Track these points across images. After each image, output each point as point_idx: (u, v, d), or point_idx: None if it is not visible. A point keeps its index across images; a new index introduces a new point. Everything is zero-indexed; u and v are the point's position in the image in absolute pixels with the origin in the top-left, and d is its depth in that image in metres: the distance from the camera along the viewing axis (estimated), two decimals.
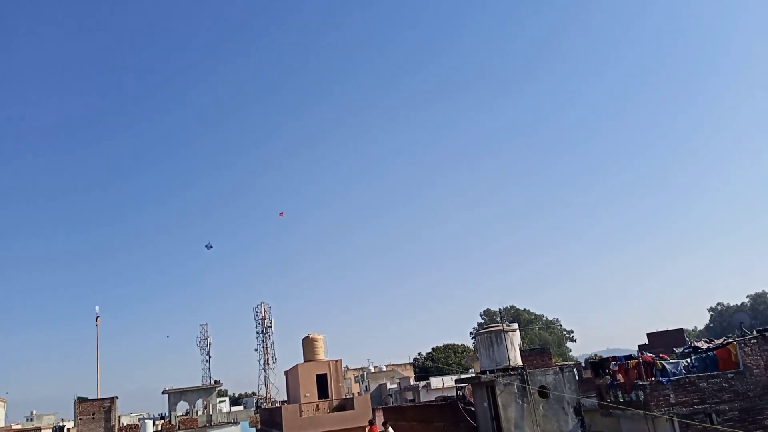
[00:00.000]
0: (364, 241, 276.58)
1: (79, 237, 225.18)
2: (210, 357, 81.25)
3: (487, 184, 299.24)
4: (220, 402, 75.11)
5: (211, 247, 60.95)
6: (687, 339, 61.86)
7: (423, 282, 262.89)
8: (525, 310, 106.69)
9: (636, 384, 24.92)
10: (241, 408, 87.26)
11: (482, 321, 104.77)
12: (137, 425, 56.46)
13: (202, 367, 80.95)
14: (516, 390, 24.08)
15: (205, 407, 62.28)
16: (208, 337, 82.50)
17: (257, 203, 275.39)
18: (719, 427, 23.43)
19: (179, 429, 53.27)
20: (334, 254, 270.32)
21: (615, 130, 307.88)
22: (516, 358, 25.49)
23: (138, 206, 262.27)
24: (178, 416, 59.51)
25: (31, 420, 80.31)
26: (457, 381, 32.95)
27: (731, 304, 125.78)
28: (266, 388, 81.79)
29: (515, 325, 28.17)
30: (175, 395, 60.22)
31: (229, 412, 77.03)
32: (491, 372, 25.01)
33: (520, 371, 24.65)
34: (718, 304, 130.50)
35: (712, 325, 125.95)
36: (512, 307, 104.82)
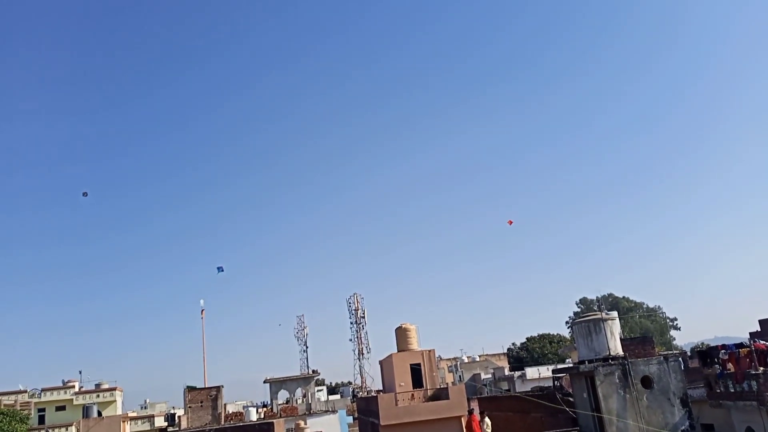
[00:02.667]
0: (456, 228, 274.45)
1: (188, 229, 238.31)
2: (307, 347, 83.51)
3: (582, 159, 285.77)
4: (318, 391, 77.28)
5: (222, 270, 64.49)
6: None
7: (517, 269, 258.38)
8: (624, 297, 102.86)
9: (748, 373, 23.60)
10: (338, 397, 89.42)
11: (579, 310, 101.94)
12: (242, 413, 59.20)
13: (300, 357, 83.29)
14: (617, 380, 23.31)
15: (304, 396, 64.30)
16: (305, 327, 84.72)
17: (354, 195, 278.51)
18: None
19: (281, 416, 55.27)
20: (425, 241, 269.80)
21: (714, 91, 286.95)
22: (616, 348, 24.64)
23: (241, 201, 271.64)
24: (279, 404, 61.81)
25: (145, 408, 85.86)
26: (554, 371, 32.28)
27: None
28: (361, 377, 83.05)
29: (614, 313, 27.17)
30: (275, 384, 62.50)
31: (327, 401, 79.20)
32: (590, 362, 24.33)
33: (621, 361, 23.82)
34: None
35: None
36: (610, 294, 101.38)
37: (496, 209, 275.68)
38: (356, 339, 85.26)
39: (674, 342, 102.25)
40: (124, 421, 52.87)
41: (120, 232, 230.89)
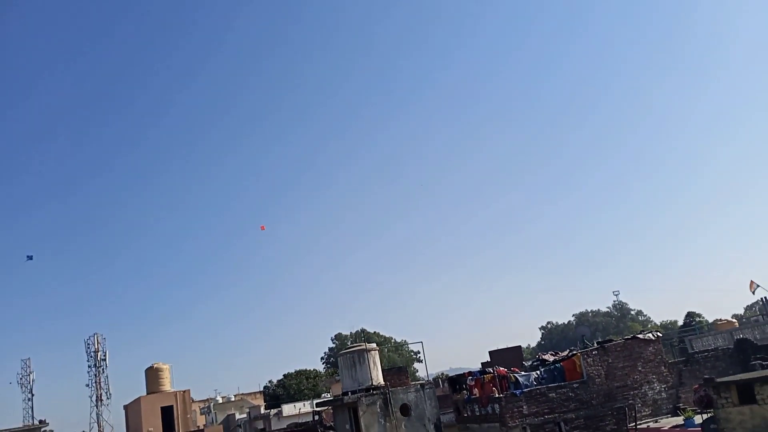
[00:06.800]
0: (209, 267, 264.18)
1: None
2: (33, 395, 73.09)
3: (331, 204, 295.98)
4: None
5: (31, 258, 55.82)
6: (524, 356, 65.88)
7: (271, 308, 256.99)
8: (375, 332, 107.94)
9: (492, 398, 25.77)
10: None
11: (333, 345, 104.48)
12: None
13: (23, 407, 72.48)
14: (379, 409, 23.86)
15: None
16: (31, 373, 74.24)
17: (83, 215, 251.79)
18: None
19: None
20: (179, 276, 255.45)
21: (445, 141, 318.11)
22: (378, 378, 25.35)
23: None
24: None
25: None
26: (318, 404, 32.17)
27: (559, 323, 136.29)
28: (99, 426, 74.91)
29: (374, 345, 28.05)
30: None
31: None
32: (353, 392, 24.60)
33: (382, 390, 24.48)
34: (548, 322, 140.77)
35: (543, 342, 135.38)
36: (363, 330, 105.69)
37: (255, 245, 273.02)
38: (95, 384, 76.90)
39: (417, 374, 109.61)
40: None
41: None
